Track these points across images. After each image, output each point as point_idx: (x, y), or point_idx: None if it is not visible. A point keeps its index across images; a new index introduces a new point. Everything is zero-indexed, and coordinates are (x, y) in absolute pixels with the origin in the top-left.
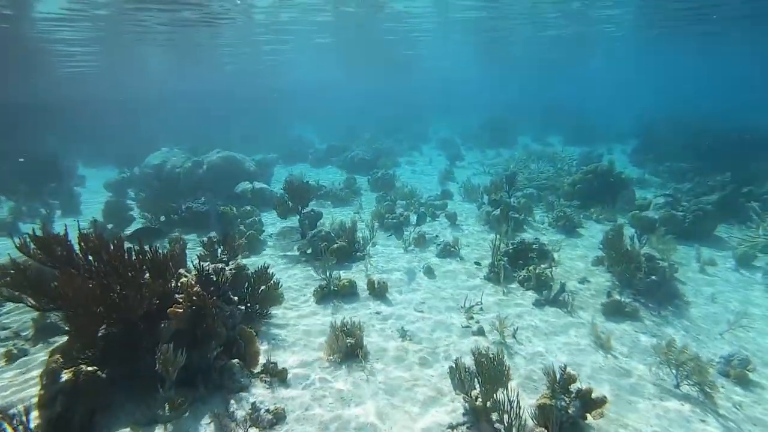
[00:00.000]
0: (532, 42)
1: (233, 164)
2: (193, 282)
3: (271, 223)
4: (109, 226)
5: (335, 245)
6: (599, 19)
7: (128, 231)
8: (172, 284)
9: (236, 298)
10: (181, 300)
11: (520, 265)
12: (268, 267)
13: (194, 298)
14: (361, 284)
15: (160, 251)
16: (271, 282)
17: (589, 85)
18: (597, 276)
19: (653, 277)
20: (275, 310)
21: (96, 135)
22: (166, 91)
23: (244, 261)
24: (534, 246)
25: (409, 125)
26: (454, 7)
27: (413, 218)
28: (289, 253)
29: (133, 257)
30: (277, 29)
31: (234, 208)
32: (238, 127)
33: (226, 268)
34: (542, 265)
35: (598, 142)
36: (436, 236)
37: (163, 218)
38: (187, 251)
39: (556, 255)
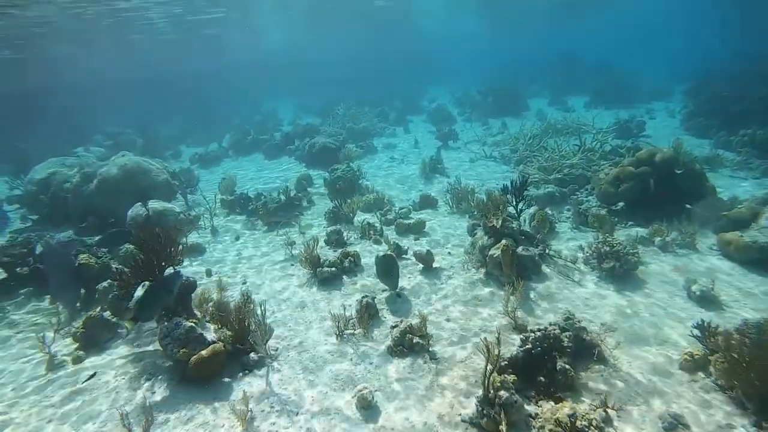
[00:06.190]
0: None
1: (137, 175)
2: None
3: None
4: None
5: (202, 353)
6: None
7: None
8: None
9: None
10: None
11: (540, 385)
12: None
13: None
14: None
15: None
16: None
17: (612, 32)
18: (700, 399)
19: None
20: None
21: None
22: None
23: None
24: (565, 338)
25: (401, 94)
26: None
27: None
28: (149, 348)
29: None
30: None
31: (126, 254)
32: (185, 109)
33: None
34: (588, 379)
35: (634, 101)
36: (398, 296)
37: (2, 274)
38: None
39: (609, 351)
